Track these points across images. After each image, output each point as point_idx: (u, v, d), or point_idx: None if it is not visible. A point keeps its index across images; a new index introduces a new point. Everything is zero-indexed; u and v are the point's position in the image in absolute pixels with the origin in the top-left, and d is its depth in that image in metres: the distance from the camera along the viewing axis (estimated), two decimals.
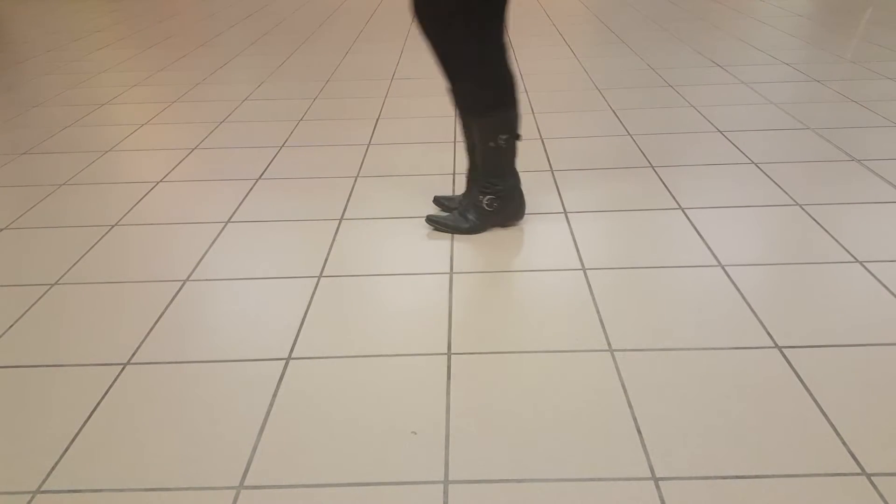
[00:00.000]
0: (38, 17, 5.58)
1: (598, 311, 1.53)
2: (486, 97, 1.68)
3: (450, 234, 1.89)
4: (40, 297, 1.68)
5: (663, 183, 2.16)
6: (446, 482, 1.11)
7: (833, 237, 1.80)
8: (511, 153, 1.81)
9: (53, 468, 1.17)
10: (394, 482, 1.11)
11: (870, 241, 1.77)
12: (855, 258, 1.70)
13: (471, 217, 1.88)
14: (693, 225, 1.89)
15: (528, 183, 2.20)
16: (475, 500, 1.07)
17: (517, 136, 1.77)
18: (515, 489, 1.09)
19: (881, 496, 1.05)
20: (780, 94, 2.96)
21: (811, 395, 1.26)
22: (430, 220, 1.91)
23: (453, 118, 2.83)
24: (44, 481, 1.14)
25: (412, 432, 1.21)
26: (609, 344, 1.42)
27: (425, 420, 1.24)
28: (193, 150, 2.62)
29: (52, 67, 3.95)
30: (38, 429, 1.26)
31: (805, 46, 3.71)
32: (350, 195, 2.16)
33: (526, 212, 2.00)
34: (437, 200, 2.01)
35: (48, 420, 1.28)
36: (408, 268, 1.74)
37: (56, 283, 1.74)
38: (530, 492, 1.08)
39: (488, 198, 1.84)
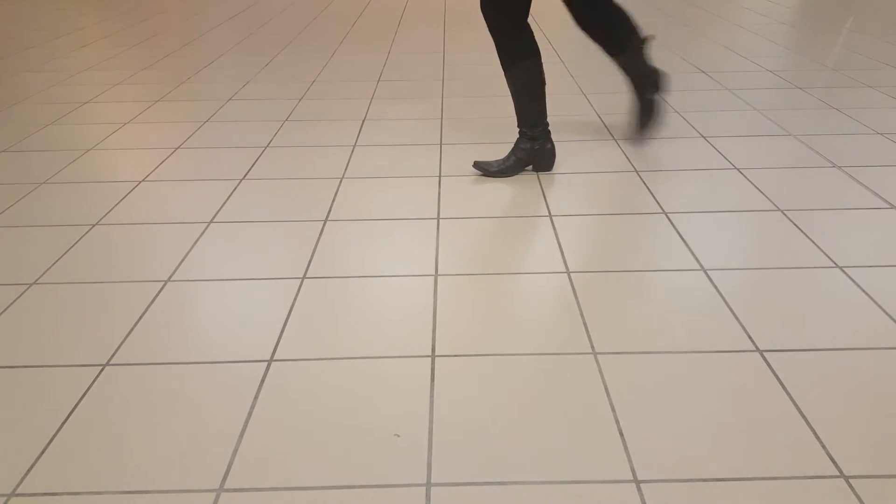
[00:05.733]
0: (18, 14, 5.51)
1: (581, 314, 1.53)
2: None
3: (434, 235, 1.88)
4: (18, 297, 1.65)
5: (647, 187, 2.17)
6: (429, 485, 1.10)
7: (814, 242, 1.82)
8: None
9: (29, 471, 1.15)
10: (376, 485, 1.11)
11: (850, 247, 1.79)
12: (835, 263, 1.72)
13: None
14: (676, 229, 1.91)
15: (513, 187, 2.20)
16: (458, 502, 1.07)
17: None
18: (498, 492, 1.09)
19: (859, 498, 1.06)
20: (763, 100, 3.00)
21: (791, 398, 1.27)
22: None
23: (439, 120, 2.83)
24: (19, 484, 1.12)
25: (395, 435, 1.21)
26: (592, 347, 1.42)
27: (408, 423, 1.23)
28: (176, 149, 2.60)
29: (33, 65, 3.90)
30: (14, 431, 1.24)
31: (788, 54, 3.76)
32: (335, 196, 2.16)
33: (512, 214, 2.01)
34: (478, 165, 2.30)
35: (24, 422, 1.26)
36: (392, 270, 1.74)
37: (35, 283, 1.71)
38: (512, 494, 1.08)
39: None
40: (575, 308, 1.56)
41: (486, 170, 2.27)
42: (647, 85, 2.42)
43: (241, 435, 1.21)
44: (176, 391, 1.33)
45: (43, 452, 1.18)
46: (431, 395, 1.30)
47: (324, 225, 1.98)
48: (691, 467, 1.13)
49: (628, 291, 1.62)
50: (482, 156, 2.45)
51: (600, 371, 1.35)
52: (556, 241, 1.86)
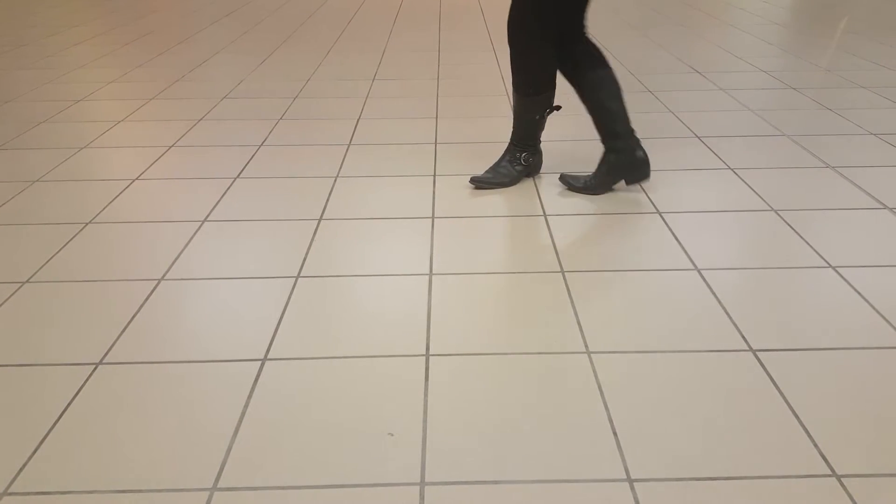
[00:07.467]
0: (12, 11, 5.48)
1: (575, 314, 1.53)
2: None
3: (429, 234, 1.88)
4: (11, 295, 1.65)
5: (641, 187, 2.18)
6: (423, 484, 1.10)
7: (807, 242, 1.83)
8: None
9: (21, 469, 1.14)
10: (370, 484, 1.10)
11: (842, 247, 1.80)
12: (828, 263, 1.73)
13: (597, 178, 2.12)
14: (670, 229, 1.91)
15: (509, 187, 2.20)
16: (452, 501, 1.07)
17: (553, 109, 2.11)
18: (491, 490, 1.09)
19: (850, 497, 1.06)
20: (757, 100, 3.00)
21: (784, 397, 1.28)
22: (564, 178, 2.16)
23: (434, 119, 2.83)
24: (11, 483, 1.12)
25: (389, 434, 1.21)
26: (586, 346, 1.43)
27: (402, 422, 1.23)
28: (171, 147, 2.59)
29: (28, 62, 3.88)
30: (7, 430, 1.23)
31: (782, 54, 3.77)
32: (329, 195, 2.15)
33: (507, 214, 2.01)
34: (564, 178, 2.19)
35: (17, 421, 1.25)
36: (387, 269, 1.73)
37: (27, 281, 1.70)
38: (506, 493, 1.08)
39: (524, 154, 2.16)
40: (569, 307, 1.56)
41: (573, 185, 2.14)
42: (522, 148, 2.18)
43: (235, 434, 1.21)
44: (169, 390, 1.32)
45: (35, 451, 1.18)
46: (426, 394, 1.30)
47: (318, 224, 1.98)
48: (684, 466, 1.13)
49: (622, 291, 1.62)
50: (477, 155, 2.45)
51: (594, 370, 1.36)
52: (550, 240, 1.86)
